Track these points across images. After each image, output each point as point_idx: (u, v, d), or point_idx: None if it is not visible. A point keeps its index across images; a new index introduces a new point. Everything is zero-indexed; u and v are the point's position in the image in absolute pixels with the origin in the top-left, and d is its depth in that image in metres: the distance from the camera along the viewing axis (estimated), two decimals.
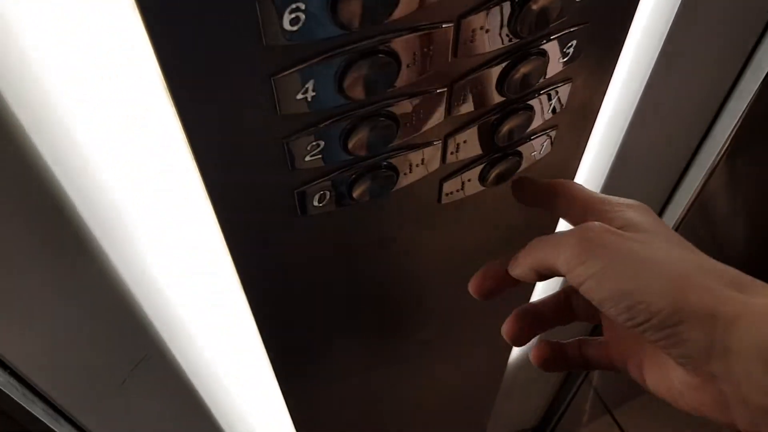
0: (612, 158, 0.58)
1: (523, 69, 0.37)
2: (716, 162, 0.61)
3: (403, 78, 0.33)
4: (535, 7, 0.33)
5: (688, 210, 0.67)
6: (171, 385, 0.56)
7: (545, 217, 0.57)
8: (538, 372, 1.21)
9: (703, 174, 0.63)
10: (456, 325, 0.66)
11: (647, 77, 0.51)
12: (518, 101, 0.40)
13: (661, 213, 0.70)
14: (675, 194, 0.67)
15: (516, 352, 0.89)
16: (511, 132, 0.41)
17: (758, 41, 0.52)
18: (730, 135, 0.58)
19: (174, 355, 0.53)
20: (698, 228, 0.78)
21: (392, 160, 0.38)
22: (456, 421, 1.03)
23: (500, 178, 0.45)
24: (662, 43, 0.48)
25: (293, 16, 0.28)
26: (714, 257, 0.34)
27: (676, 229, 0.69)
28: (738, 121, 0.57)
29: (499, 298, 0.63)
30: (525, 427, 1.29)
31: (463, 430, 1.11)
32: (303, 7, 0.28)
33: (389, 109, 0.35)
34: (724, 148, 0.60)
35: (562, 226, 0.63)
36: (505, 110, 0.40)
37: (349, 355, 0.61)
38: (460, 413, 1.01)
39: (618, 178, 0.60)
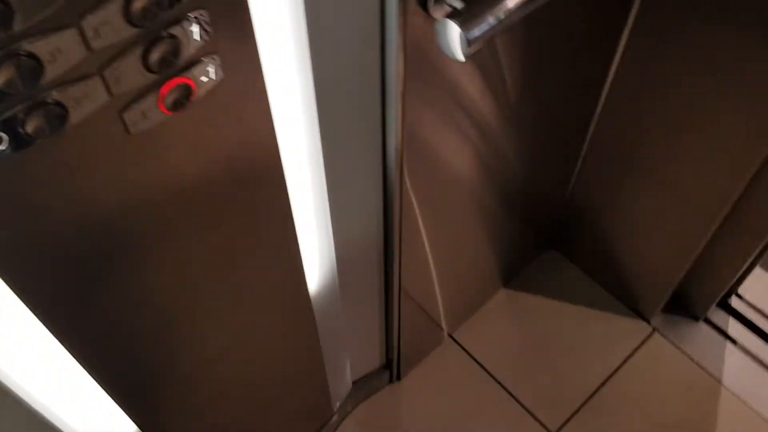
0: (311, 85, 0.68)
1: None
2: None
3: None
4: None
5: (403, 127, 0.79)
6: None
7: (256, 130, 0.65)
8: (357, 311, 1.26)
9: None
10: (217, 269, 0.74)
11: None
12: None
13: (384, 135, 0.81)
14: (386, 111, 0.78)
15: (314, 290, 0.96)
16: (162, 60, 0.50)
17: None
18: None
19: None
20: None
21: (55, 97, 0.46)
22: (294, 387, 1.10)
23: (179, 105, 0.53)
24: None
25: None
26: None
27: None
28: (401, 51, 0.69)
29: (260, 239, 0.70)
30: (375, 367, 1.39)
31: (305, 393, 1.18)
32: None
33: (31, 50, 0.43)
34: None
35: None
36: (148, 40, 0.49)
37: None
38: (293, 377, 1.07)
39: (326, 99, 0.70)
